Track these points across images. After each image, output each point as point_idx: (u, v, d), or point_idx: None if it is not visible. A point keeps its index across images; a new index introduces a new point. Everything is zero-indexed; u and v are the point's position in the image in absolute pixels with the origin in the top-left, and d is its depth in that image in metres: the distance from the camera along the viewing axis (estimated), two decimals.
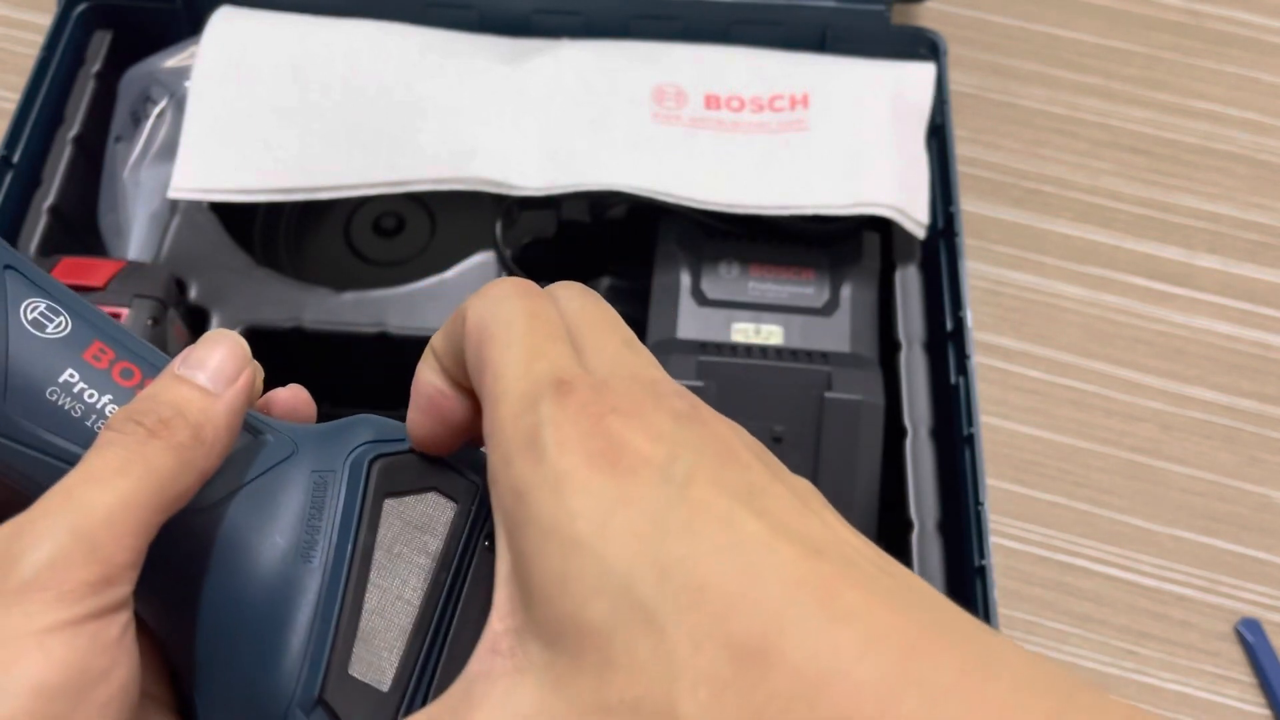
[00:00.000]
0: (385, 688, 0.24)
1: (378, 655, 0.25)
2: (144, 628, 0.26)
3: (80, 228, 0.59)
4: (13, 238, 0.55)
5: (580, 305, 0.24)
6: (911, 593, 0.20)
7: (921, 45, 0.61)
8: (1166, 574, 0.56)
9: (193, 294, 0.54)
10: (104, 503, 0.22)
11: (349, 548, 0.25)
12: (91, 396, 0.26)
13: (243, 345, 0.26)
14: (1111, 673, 0.54)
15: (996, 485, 0.58)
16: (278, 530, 0.25)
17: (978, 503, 0.49)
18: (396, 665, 0.25)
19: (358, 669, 0.24)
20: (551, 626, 0.20)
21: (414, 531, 0.26)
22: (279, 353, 0.54)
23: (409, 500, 0.26)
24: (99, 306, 0.48)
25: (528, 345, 0.23)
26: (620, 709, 0.19)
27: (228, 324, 0.53)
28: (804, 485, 0.22)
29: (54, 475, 0.24)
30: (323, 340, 0.54)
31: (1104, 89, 0.71)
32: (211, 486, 0.25)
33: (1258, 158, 0.69)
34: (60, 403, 0.26)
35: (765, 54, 0.61)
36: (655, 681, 0.19)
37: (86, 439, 0.25)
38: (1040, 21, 0.74)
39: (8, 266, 0.27)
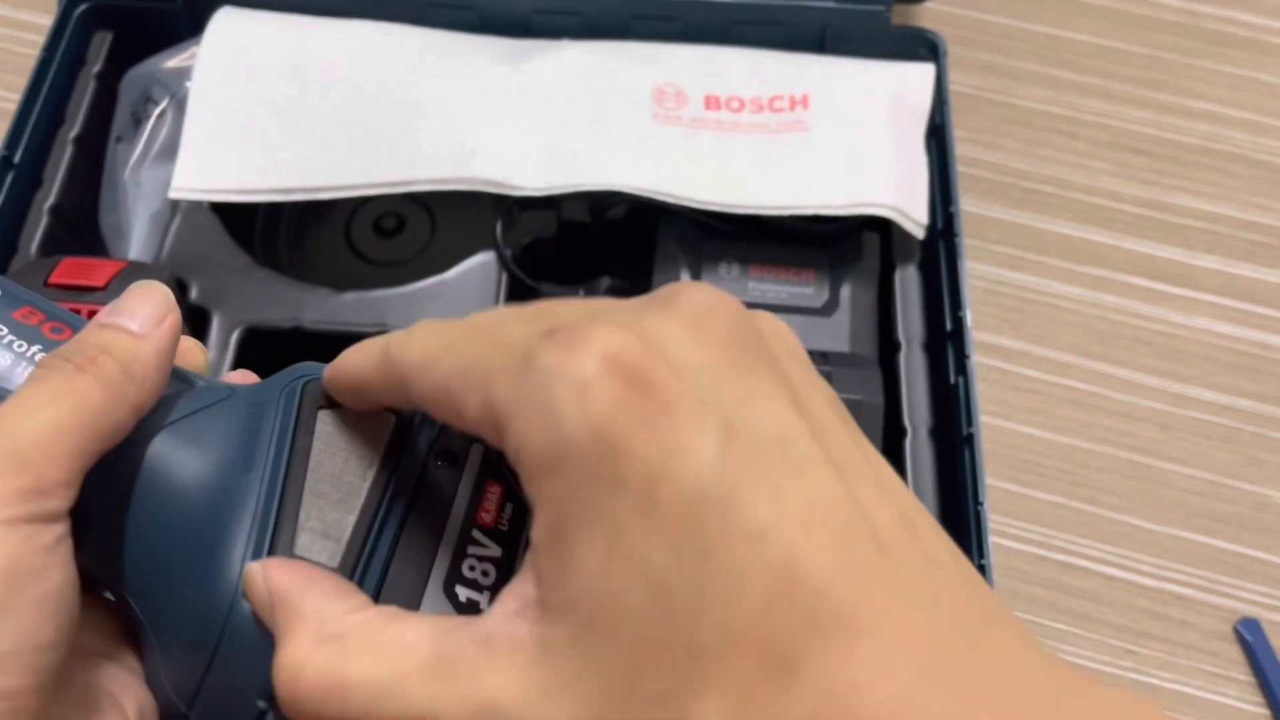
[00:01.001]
0: (334, 564, 0.24)
1: (322, 539, 0.25)
2: (104, 602, 0.27)
3: (81, 228, 0.59)
4: (13, 238, 0.55)
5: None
6: (936, 576, 0.20)
7: (921, 46, 0.61)
8: (1166, 573, 0.56)
9: (193, 294, 0.54)
10: (34, 428, 0.24)
11: (285, 453, 0.26)
12: (20, 347, 0.27)
13: (166, 294, 0.27)
14: (1111, 672, 0.54)
15: (996, 485, 0.58)
16: (214, 451, 0.26)
17: (977, 502, 0.49)
18: (343, 549, 0.25)
19: (302, 548, 0.24)
20: (586, 609, 0.19)
21: (352, 434, 0.26)
22: (279, 353, 0.54)
23: (345, 411, 0.27)
24: (100, 306, 0.49)
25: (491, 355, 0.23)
26: (648, 701, 0.19)
27: (228, 324, 0.53)
28: (837, 415, 0.22)
29: None
30: (323, 340, 0.54)
31: (1103, 89, 0.71)
32: (148, 423, 0.26)
33: (1257, 158, 0.69)
34: None
35: (765, 54, 0.61)
36: (683, 680, 0.19)
37: (17, 382, 0.26)
38: (1040, 22, 0.74)
39: None
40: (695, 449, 0.19)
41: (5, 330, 0.27)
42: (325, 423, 0.26)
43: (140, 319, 0.26)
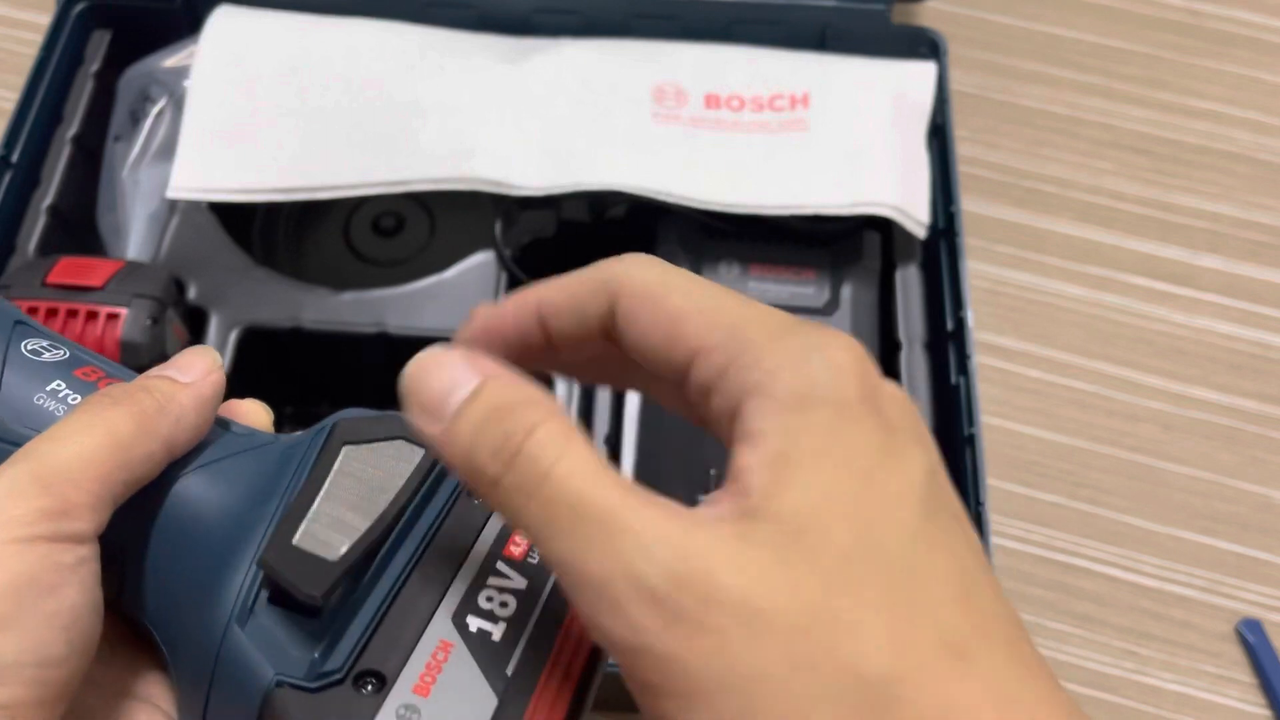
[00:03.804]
0: (332, 557, 0.24)
1: (325, 536, 0.24)
2: (140, 639, 0.27)
3: (79, 227, 0.59)
4: (12, 237, 0.55)
5: None
6: (1008, 633, 0.22)
7: (922, 45, 0.61)
8: (1167, 574, 0.56)
9: (192, 294, 0.54)
10: (63, 453, 0.24)
11: (303, 480, 0.26)
12: (74, 399, 0.28)
13: (214, 357, 0.29)
14: (1112, 673, 0.54)
15: (997, 485, 0.58)
16: (241, 488, 0.26)
17: (979, 503, 0.49)
18: (346, 548, 0.24)
19: (302, 541, 0.24)
20: (799, 522, 0.21)
21: (376, 468, 0.26)
22: (278, 353, 0.54)
23: (373, 445, 0.26)
24: (98, 306, 0.49)
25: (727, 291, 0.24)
26: (831, 616, 0.20)
27: (226, 324, 0.53)
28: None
29: None
30: (322, 340, 0.53)
31: (1105, 88, 0.71)
32: (184, 463, 0.27)
33: (1258, 157, 0.69)
34: (45, 405, 0.28)
35: (765, 53, 0.60)
36: (870, 610, 0.20)
37: None
38: (1041, 21, 0.74)
39: (18, 322, 0.29)
40: (921, 461, 0.22)
41: (64, 386, 0.28)
42: (350, 456, 0.26)
43: (183, 369, 0.28)
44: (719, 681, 0.19)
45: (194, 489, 0.27)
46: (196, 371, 0.28)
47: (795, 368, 0.22)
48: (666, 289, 0.24)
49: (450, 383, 0.23)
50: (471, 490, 0.24)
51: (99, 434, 0.25)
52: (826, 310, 0.54)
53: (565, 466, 0.21)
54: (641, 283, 0.24)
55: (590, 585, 0.20)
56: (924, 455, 0.22)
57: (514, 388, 0.22)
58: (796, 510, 0.21)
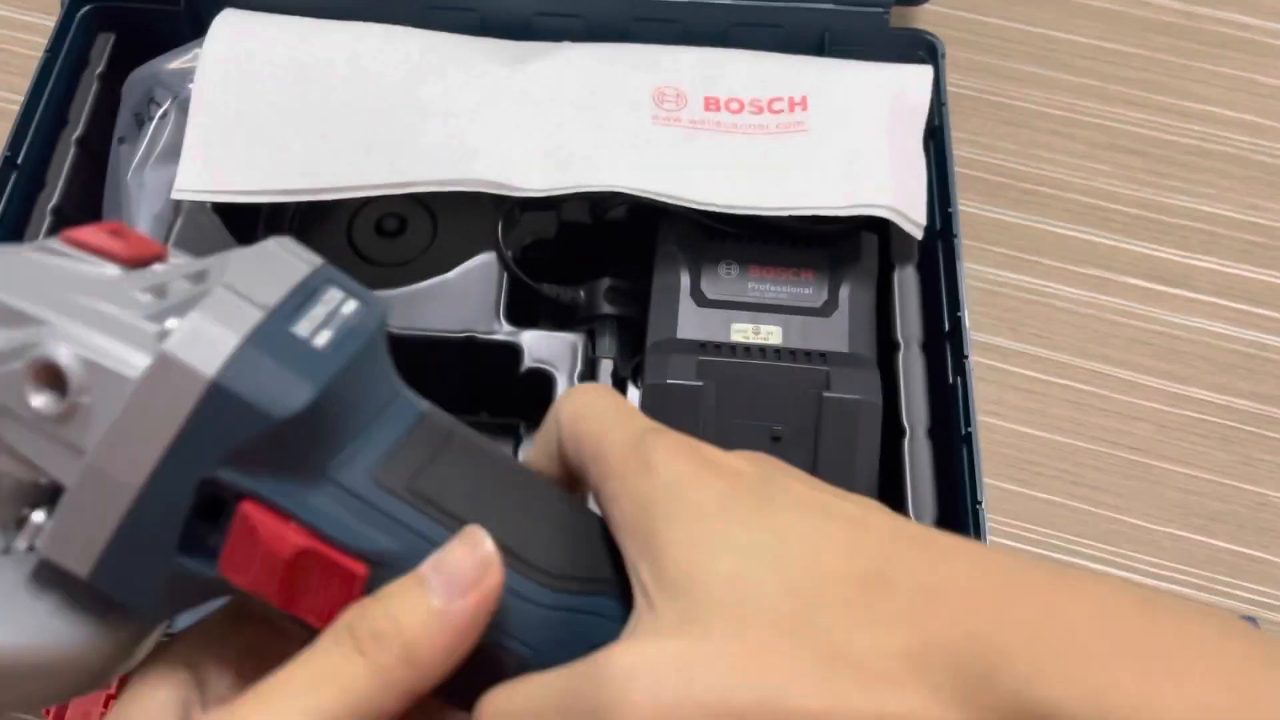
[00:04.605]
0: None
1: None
2: None
3: None
4: (17, 239, 0.56)
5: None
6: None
7: (920, 47, 0.62)
8: (1163, 573, 0.57)
9: None
10: (286, 713, 0.23)
11: None
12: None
13: (489, 551, 0.24)
14: None
15: (994, 485, 0.58)
16: None
17: (975, 502, 0.49)
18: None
19: None
20: (683, 594, 0.23)
21: None
22: None
23: None
24: None
25: (623, 411, 0.27)
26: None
27: None
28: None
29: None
30: None
31: (1101, 91, 0.72)
32: None
33: (1254, 159, 0.69)
34: None
35: (764, 56, 0.61)
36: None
37: None
38: (1037, 23, 0.74)
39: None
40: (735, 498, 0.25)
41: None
42: None
43: (445, 584, 0.24)
44: None
45: None
46: (458, 583, 0.24)
47: (633, 464, 0.25)
48: (578, 416, 0.27)
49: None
50: None
51: (329, 693, 0.23)
52: (824, 311, 0.54)
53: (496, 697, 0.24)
54: (568, 413, 0.28)
55: None
56: (767, 469, 0.25)
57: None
58: (675, 578, 0.23)
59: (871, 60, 0.61)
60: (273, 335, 0.23)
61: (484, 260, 0.56)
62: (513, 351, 0.54)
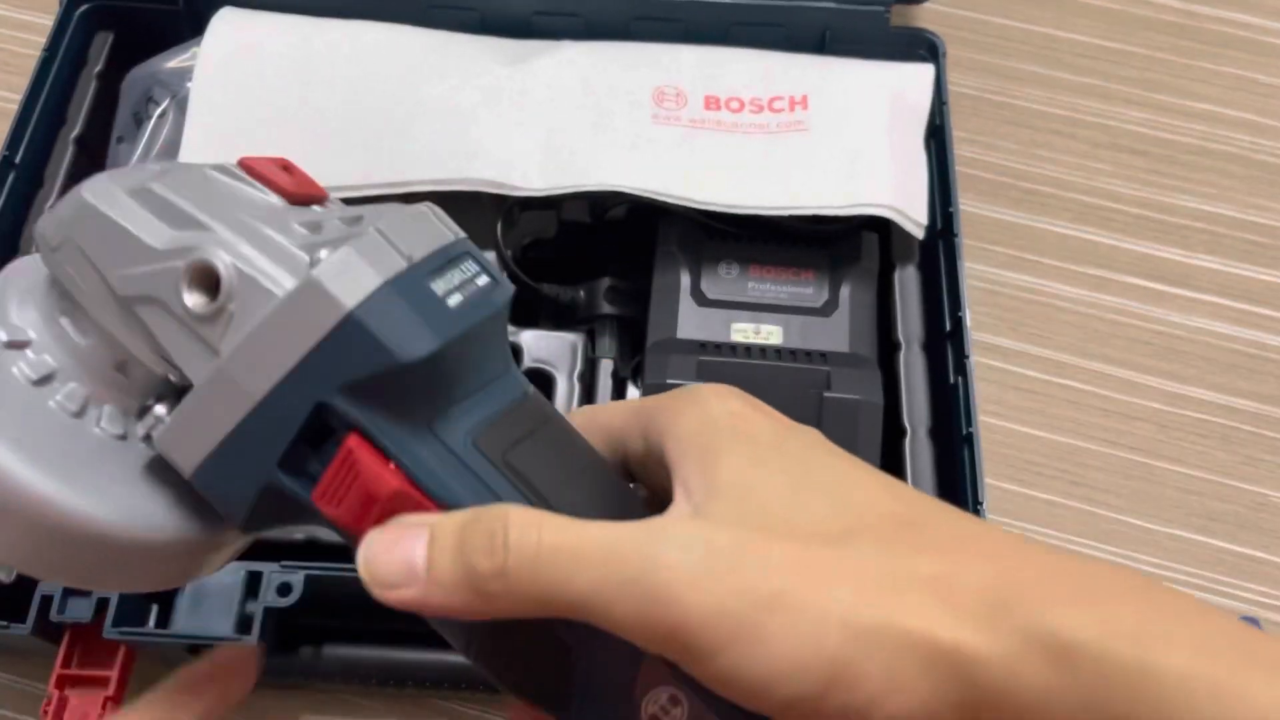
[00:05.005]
0: None
1: None
2: None
3: None
4: (15, 238, 0.56)
5: None
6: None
7: (920, 46, 0.62)
8: (1164, 573, 0.57)
9: None
10: None
11: None
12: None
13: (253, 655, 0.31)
14: None
15: (995, 485, 0.58)
16: None
17: (976, 502, 0.49)
18: None
19: None
20: (737, 500, 0.24)
21: None
22: None
23: None
24: None
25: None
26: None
27: None
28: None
29: None
30: None
31: (1102, 90, 0.71)
32: None
33: (1255, 158, 0.69)
34: None
35: (765, 55, 0.61)
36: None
37: None
38: (1039, 22, 0.74)
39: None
40: (811, 431, 0.27)
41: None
42: None
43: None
44: (750, 603, 0.22)
45: None
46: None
47: (689, 408, 0.26)
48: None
49: (404, 549, 0.24)
50: (466, 610, 0.24)
51: None
52: (825, 310, 0.54)
53: (553, 526, 0.24)
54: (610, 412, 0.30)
55: (621, 595, 0.23)
56: (812, 430, 0.27)
57: (459, 515, 0.25)
58: (732, 484, 0.24)
59: (872, 59, 0.61)
60: (411, 284, 0.25)
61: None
62: (512, 351, 0.54)
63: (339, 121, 0.57)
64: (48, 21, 0.61)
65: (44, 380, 0.26)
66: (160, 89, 0.59)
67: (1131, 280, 0.65)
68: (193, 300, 0.25)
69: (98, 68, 0.61)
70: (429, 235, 0.26)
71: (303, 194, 0.28)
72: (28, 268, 0.28)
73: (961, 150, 0.66)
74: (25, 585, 0.46)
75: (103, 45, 0.61)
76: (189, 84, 0.58)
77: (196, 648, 0.47)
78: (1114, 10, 0.74)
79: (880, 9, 0.61)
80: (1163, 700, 0.20)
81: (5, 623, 0.45)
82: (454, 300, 0.26)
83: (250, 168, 0.28)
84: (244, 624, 0.46)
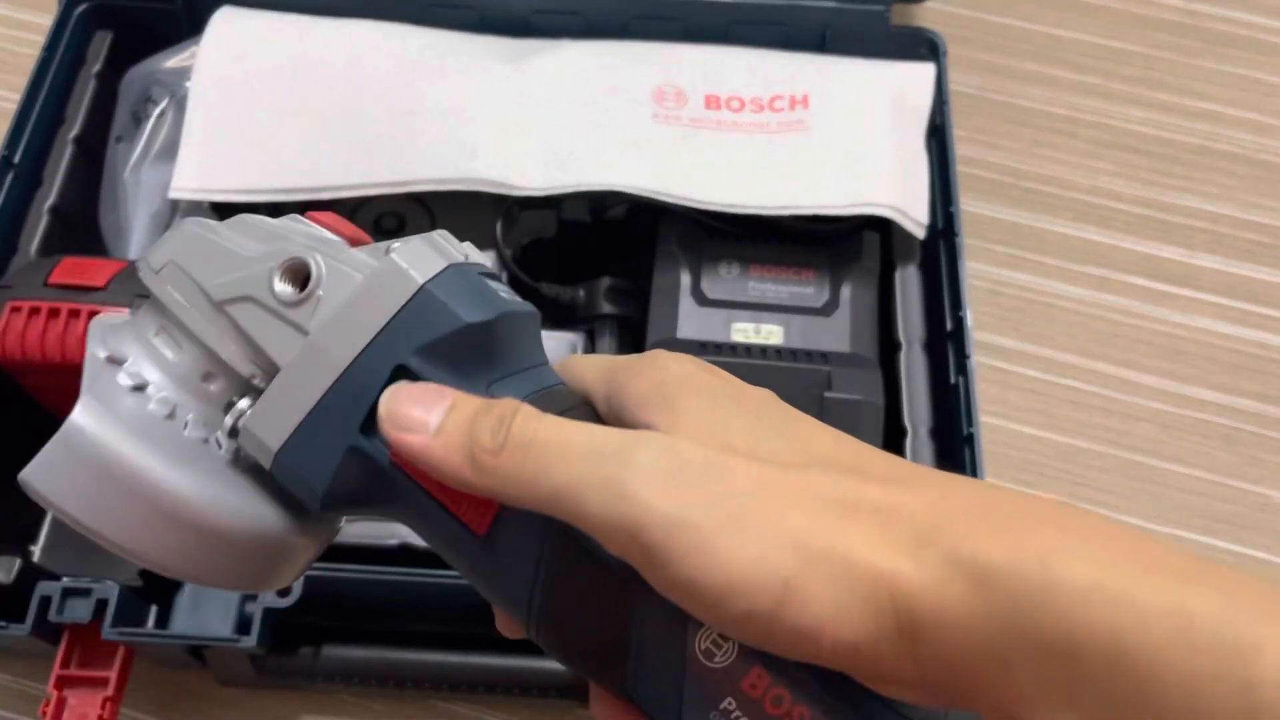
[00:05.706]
0: None
1: None
2: None
3: (81, 228, 0.59)
4: (14, 238, 0.55)
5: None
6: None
7: (921, 45, 0.62)
8: None
9: None
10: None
11: None
12: None
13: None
14: None
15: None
16: None
17: None
18: None
19: None
20: (701, 439, 0.26)
21: None
22: None
23: None
24: (100, 306, 0.49)
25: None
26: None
27: None
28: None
29: None
30: None
31: (1103, 89, 0.71)
32: None
33: (1257, 158, 0.69)
34: None
35: (765, 54, 0.61)
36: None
37: None
38: (1040, 22, 0.74)
39: None
40: (762, 390, 0.29)
41: (734, 705, 0.27)
42: None
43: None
44: (718, 509, 0.24)
45: None
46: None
47: (648, 369, 0.28)
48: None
49: (427, 406, 0.27)
50: (455, 475, 0.27)
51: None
52: (826, 310, 0.54)
53: (550, 422, 0.26)
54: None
55: (594, 489, 0.24)
56: (767, 390, 0.28)
57: (480, 398, 0.27)
58: (695, 420, 0.26)
59: (873, 58, 0.61)
60: (470, 271, 0.29)
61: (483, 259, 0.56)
62: None
63: (338, 121, 0.57)
64: (47, 21, 0.61)
65: (139, 388, 0.30)
66: (159, 88, 0.59)
67: (1133, 280, 0.65)
68: (282, 290, 0.29)
69: (96, 67, 0.61)
70: (474, 254, 0.31)
71: (358, 240, 0.31)
72: (108, 316, 0.32)
73: (962, 149, 0.66)
74: (25, 585, 0.46)
75: (102, 45, 0.61)
76: (188, 83, 0.58)
77: (196, 648, 0.47)
78: (1115, 9, 0.74)
79: (880, 8, 0.61)
80: (1066, 612, 0.21)
81: (5, 623, 0.45)
82: (503, 292, 0.30)
83: (313, 217, 0.32)
84: (243, 625, 0.46)
